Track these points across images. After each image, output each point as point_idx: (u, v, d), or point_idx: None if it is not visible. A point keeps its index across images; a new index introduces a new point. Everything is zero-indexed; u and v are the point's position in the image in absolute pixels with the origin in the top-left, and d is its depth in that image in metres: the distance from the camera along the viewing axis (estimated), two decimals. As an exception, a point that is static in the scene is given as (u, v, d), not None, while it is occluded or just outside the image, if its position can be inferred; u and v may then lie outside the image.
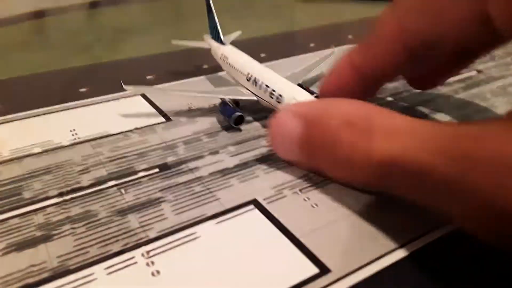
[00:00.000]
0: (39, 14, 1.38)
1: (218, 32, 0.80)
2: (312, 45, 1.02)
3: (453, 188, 0.32)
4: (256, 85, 0.66)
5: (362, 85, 0.57)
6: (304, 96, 0.59)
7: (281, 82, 0.63)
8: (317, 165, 0.50)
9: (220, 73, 0.84)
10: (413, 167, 0.35)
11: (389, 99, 0.75)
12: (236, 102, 0.67)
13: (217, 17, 0.82)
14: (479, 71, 0.87)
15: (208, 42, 0.83)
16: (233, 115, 0.63)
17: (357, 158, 0.42)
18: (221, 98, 0.66)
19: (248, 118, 0.67)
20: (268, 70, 0.69)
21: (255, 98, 0.67)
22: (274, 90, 0.62)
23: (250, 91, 0.68)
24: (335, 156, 0.45)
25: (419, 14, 0.50)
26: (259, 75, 0.66)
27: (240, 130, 0.64)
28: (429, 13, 0.50)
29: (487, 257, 0.41)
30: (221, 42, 0.80)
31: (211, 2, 0.82)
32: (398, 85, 0.79)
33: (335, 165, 0.47)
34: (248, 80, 0.68)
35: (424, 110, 0.71)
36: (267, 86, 0.63)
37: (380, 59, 0.55)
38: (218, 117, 0.67)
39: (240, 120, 0.63)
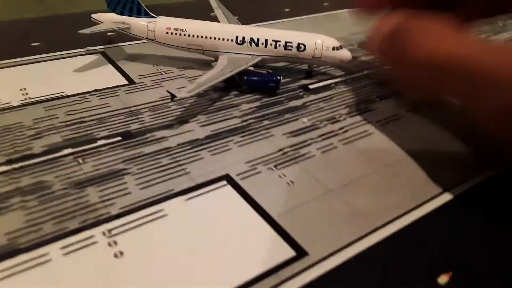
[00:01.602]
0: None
1: (140, 5, 0.66)
2: (286, 10, 0.97)
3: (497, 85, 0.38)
4: (257, 45, 0.64)
5: None
6: (322, 36, 0.64)
7: (288, 33, 0.65)
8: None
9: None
10: (470, 65, 0.39)
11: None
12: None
13: None
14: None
15: (123, 20, 0.66)
16: (277, 78, 0.61)
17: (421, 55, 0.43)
18: (241, 72, 0.61)
19: (221, 85, 0.62)
20: (257, 28, 0.66)
21: (260, 58, 0.64)
22: (289, 42, 0.63)
23: (247, 54, 0.64)
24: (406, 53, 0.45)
25: None
26: (256, 35, 0.64)
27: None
28: None
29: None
30: (152, 16, 0.67)
31: None
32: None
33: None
34: (241, 43, 0.64)
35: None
36: (276, 41, 0.63)
37: None
38: (184, 82, 0.63)
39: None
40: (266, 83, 0.61)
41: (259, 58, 0.64)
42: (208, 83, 0.56)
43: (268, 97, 0.62)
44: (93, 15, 0.66)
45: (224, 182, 0.45)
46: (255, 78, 0.61)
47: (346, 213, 0.43)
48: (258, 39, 0.63)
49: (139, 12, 0.65)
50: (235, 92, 0.62)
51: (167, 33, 0.65)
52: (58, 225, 0.38)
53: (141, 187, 0.43)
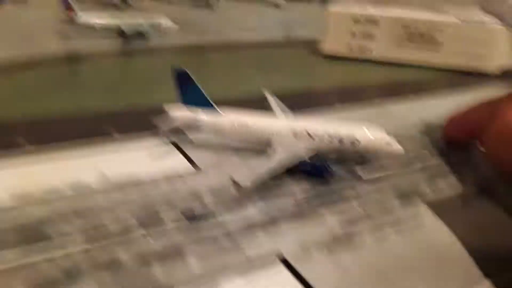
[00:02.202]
0: (72, 56, 1.44)
1: (210, 103, 0.74)
2: (337, 105, 1.03)
3: None
4: (313, 138, 0.68)
5: None
6: (375, 130, 0.67)
7: (343, 127, 0.68)
8: None
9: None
10: None
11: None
12: None
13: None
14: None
15: (196, 115, 0.74)
16: (329, 167, 0.65)
17: None
18: (298, 163, 0.65)
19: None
20: (312, 120, 0.71)
21: (315, 150, 0.68)
22: (342, 137, 0.67)
23: (304, 147, 0.68)
24: None
25: None
26: (311, 128, 0.68)
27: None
28: None
29: None
30: (219, 112, 0.74)
31: (189, 73, 0.73)
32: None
33: None
34: (297, 137, 0.69)
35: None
36: (330, 136, 0.67)
37: None
38: (244, 167, 0.68)
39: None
40: (319, 171, 0.65)
41: (314, 149, 0.68)
42: (268, 173, 0.61)
43: (321, 185, 0.65)
44: (165, 106, 0.75)
45: (279, 263, 0.48)
46: (308, 166, 0.66)
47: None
48: (313, 133, 0.68)
49: (207, 106, 0.74)
50: (289, 179, 0.65)
51: (231, 127, 0.73)
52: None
53: (201, 267, 0.47)
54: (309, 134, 0.68)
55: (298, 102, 0.94)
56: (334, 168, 0.66)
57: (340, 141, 0.67)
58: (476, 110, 0.75)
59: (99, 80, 1.18)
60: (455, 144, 0.79)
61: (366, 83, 1.29)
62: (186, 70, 0.73)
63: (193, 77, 0.73)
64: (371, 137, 0.67)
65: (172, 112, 0.75)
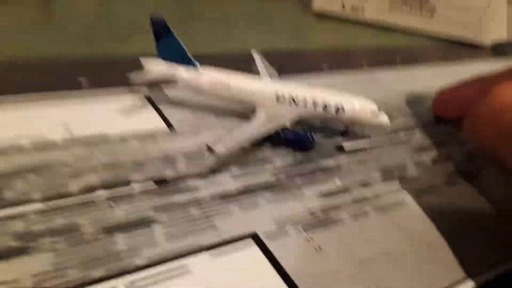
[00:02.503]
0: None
1: (189, 57, 0.67)
2: (324, 66, 0.98)
3: None
4: (296, 103, 0.64)
5: None
6: (362, 100, 0.63)
7: (328, 93, 0.64)
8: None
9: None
10: None
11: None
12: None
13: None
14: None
15: (171, 68, 0.68)
16: (312, 136, 0.61)
17: None
18: (279, 130, 0.62)
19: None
20: (298, 85, 0.66)
21: (297, 116, 0.64)
22: (327, 103, 0.63)
23: (287, 111, 0.64)
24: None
25: None
26: (296, 93, 0.64)
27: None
28: None
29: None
30: (197, 67, 0.68)
31: (167, 23, 0.66)
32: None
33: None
34: (280, 100, 0.64)
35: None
36: (315, 101, 0.63)
37: None
38: (222, 131, 0.64)
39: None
40: (301, 140, 0.61)
41: (297, 116, 0.64)
42: (245, 139, 0.57)
43: (301, 154, 0.62)
44: (142, 60, 0.69)
45: (251, 241, 0.45)
46: (291, 134, 0.62)
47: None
48: (297, 98, 0.63)
49: (187, 63, 0.68)
50: (269, 146, 0.62)
51: (210, 84, 0.67)
52: (83, 272, 0.38)
53: (168, 238, 0.43)
54: (292, 99, 0.64)
55: (283, 63, 0.89)
56: (317, 137, 0.63)
57: (324, 108, 0.63)
58: (465, 87, 0.72)
59: (74, 23, 1.09)
60: (443, 119, 0.76)
61: (356, 46, 1.24)
62: (164, 19, 0.66)
63: (171, 28, 0.66)
64: (357, 106, 0.63)
65: (147, 65, 0.69)
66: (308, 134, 0.62)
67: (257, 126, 0.60)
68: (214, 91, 0.67)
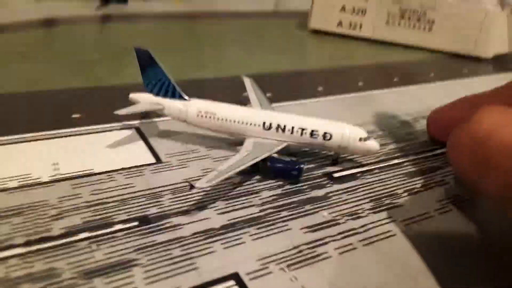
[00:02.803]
0: (48, 22, 1.36)
1: (175, 88, 0.68)
2: (320, 89, 0.98)
3: None
4: (284, 131, 0.64)
5: None
6: (350, 126, 0.64)
7: (315, 121, 0.64)
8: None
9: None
10: None
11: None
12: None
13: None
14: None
15: (157, 102, 0.68)
16: (300, 167, 0.60)
17: None
18: (265, 158, 0.61)
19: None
20: (285, 114, 0.67)
21: (285, 144, 0.64)
22: (315, 131, 0.63)
23: (275, 139, 0.64)
24: None
25: None
26: (283, 121, 0.64)
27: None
28: None
29: None
30: (184, 99, 0.68)
31: (152, 54, 0.66)
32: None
33: None
34: (268, 129, 0.64)
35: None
36: (302, 129, 0.63)
37: None
38: (210, 163, 0.64)
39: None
40: (288, 171, 0.61)
41: (285, 144, 0.64)
42: (229, 171, 0.56)
43: (290, 184, 0.61)
44: (131, 95, 0.69)
45: (232, 282, 0.44)
46: (278, 165, 0.61)
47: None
48: (285, 126, 0.63)
49: (174, 95, 0.68)
50: (257, 178, 0.62)
51: (197, 115, 0.67)
52: (59, 320, 0.38)
53: (147, 281, 0.43)
54: (279, 127, 0.64)
55: (278, 86, 0.89)
56: (306, 166, 0.63)
57: (312, 135, 0.63)
58: (458, 106, 0.71)
59: (67, 51, 1.11)
60: (438, 140, 0.75)
61: (353, 65, 1.23)
62: (148, 50, 0.66)
63: (155, 59, 0.66)
64: (345, 132, 0.63)
65: (135, 98, 0.69)
66: (296, 164, 0.61)
67: (242, 157, 0.60)
68: (202, 123, 0.67)
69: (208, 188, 0.57)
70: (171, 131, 0.72)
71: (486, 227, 0.56)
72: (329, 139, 0.63)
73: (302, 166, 0.61)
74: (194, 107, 0.67)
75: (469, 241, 0.54)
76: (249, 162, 0.59)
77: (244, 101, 0.78)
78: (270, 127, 0.64)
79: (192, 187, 0.53)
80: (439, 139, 0.73)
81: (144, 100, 0.69)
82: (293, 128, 0.64)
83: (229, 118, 0.66)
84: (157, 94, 0.69)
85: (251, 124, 0.65)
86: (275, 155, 0.62)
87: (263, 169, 0.62)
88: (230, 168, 0.57)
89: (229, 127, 0.66)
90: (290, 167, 0.61)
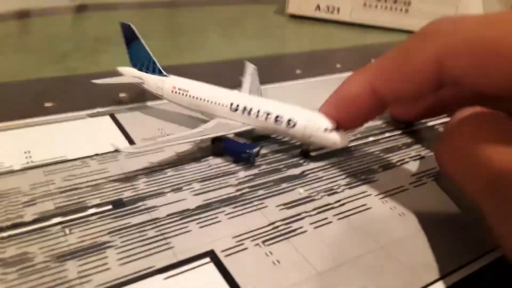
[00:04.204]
0: (23, 14, 1.33)
1: (155, 63, 0.70)
2: (298, 71, 0.98)
3: None
4: (250, 114, 0.62)
5: (378, 109, 0.56)
6: (317, 116, 0.59)
7: (282, 106, 0.62)
8: None
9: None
10: None
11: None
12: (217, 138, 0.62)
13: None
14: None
15: (139, 76, 0.72)
16: (254, 149, 0.60)
17: None
18: (219, 136, 0.61)
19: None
20: (255, 96, 0.66)
21: (250, 127, 0.63)
22: (280, 116, 0.61)
23: (240, 122, 0.64)
24: None
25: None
26: (250, 103, 0.63)
27: (254, 164, 0.61)
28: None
29: None
30: (163, 74, 0.70)
31: (134, 28, 0.69)
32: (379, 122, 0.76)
33: None
34: (234, 110, 0.64)
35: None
36: (268, 113, 0.61)
37: (409, 88, 0.51)
38: (187, 147, 0.63)
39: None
40: (239, 153, 0.60)
41: (249, 127, 0.63)
42: (168, 142, 0.58)
43: (267, 164, 0.61)
44: (117, 68, 0.74)
45: (208, 259, 0.44)
46: (229, 145, 0.61)
47: (332, 301, 0.40)
48: (251, 109, 0.62)
49: (154, 70, 0.71)
50: (232, 159, 0.62)
51: (172, 91, 0.68)
52: (32, 303, 0.38)
53: (121, 262, 0.43)
54: (245, 108, 0.63)
55: (258, 70, 0.89)
56: (259, 149, 0.61)
57: (276, 120, 0.61)
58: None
59: (41, 42, 1.09)
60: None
61: (330, 47, 1.23)
62: (131, 25, 0.68)
63: (137, 33, 0.69)
64: (309, 121, 0.59)
65: (120, 71, 0.73)
66: (250, 146, 0.60)
67: (194, 133, 0.61)
68: (175, 99, 0.69)
69: (187, 165, 0.57)
70: (147, 117, 0.72)
71: (460, 200, 0.57)
72: (293, 127, 0.60)
73: (254, 149, 0.60)
74: (170, 83, 0.69)
75: (444, 213, 0.54)
76: (196, 137, 0.60)
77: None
78: (236, 109, 0.64)
79: (116, 150, 0.56)
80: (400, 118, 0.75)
81: (127, 73, 0.72)
82: (258, 111, 0.62)
83: (199, 97, 0.66)
84: (140, 69, 0.72)
85: (219, 104, 0.65)
86: (231, 135, 0.62)
87: (219, 149, 0.62)
88: (170, 140, 0.58)
89: (199, 105, 0.66)
90: (241, 149, 0.60)
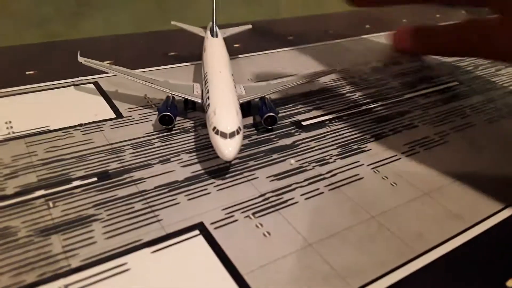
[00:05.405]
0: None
1: (213, 22, 0.78)
2: (290, 38, 0.95)
3: None
4: (204, 86, 0.61)
5: None
6: (227, 113, 0.52)
7: (220, 91, 0.57)
8: None
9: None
10: None
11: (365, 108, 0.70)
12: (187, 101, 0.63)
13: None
14: (460, 83, 0.82)
15: (206, 31, 0.78)
16: (159, 113, 0.57)
17: None
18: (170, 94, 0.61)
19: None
20: (225, 74, 0.62)
21: (198, 99, 0.61)
22: (208, 98, 0.56)
23: (200, 91, 0.63)
24: None
25: None
26: (211, 77, 0.61)
27: (169, 130, 0.58)
28: None
29: None
30: (213, 34, 0.76)
31: None
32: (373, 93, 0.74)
33: None
34: (203, 79, 0.63)
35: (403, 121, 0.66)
36: (208, 90, 0.58)
37: None
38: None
39: (167, 121, 0.57)
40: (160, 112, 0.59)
41: (192, 98, 0.62)
42: (126, 73, 0.62)
43: (257, 134, 0.60)
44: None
45: (197, 231, 0.43)
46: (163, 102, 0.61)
47: (325, 273, 0.40)
48: (206, 81, 0.62)
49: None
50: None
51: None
52: (15, 278, 0.37)
53: (107, 236, 0.41)
54: (205, 81, 0.62)
55: (244, 34, 0.86)
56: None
57: (207, 100, 0.58)
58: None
59: (21, 7, 1.04)
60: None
61: (323, 13, 1.20)
62: None
63: None
64: (214, 113, 0.53)
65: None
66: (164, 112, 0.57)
67: (155, 79, 0.63)
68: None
69: (175, 135, 0.57)
70: (133, 86, 0.69)
71: (451, 168, 0.56)
72: (206, 112, 0.56)
73: (164, 113, 0.57)
74: (207, 41, 0.74)
75: (435, 182, 0.54)
76: (150, 83, 0.62)
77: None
78: (204, 78, 0.63)
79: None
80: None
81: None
82: (207, 86, 0.59)
83: (204, 59, 0.69)
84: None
85: (203, 70, 0.66)
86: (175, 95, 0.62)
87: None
88: (129, 73, 0.63)
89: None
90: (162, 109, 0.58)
